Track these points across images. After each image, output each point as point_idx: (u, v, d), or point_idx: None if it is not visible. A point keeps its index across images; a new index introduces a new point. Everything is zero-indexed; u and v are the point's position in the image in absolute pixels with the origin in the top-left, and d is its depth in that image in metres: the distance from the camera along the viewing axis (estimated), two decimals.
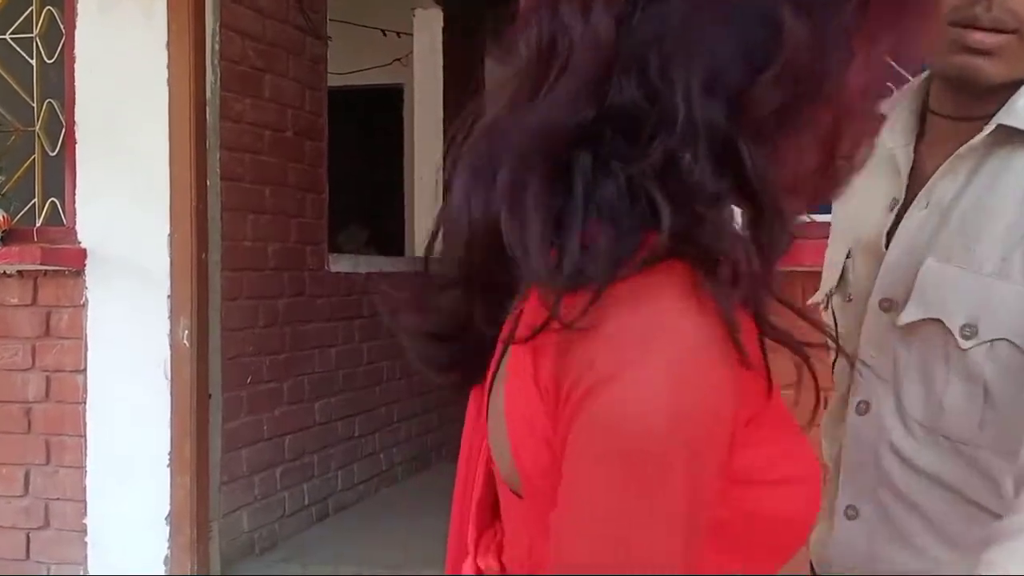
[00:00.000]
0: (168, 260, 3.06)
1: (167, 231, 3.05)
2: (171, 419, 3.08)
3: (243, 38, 3.38)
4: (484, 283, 0.70)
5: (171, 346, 3.07)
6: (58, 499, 3.20)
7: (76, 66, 3.15)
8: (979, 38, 0.98)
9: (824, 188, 0.71)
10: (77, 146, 3.15)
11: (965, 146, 1.03)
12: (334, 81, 4.29)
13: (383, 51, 6.13)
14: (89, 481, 3.17)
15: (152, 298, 3.08)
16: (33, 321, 3.20)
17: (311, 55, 3.88)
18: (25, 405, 3.21)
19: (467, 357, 0.75)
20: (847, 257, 1.13)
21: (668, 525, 0.63)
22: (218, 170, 3.23)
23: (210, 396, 3.21)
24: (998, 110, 1.00)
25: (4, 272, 3.20)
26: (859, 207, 1.11)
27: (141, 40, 3.06)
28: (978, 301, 0.99)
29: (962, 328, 1.00)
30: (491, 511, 0.77)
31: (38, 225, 3.24)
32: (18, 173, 3.28)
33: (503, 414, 0.69)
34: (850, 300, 1.11)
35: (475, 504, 0.77)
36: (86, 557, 3.17)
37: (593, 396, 0.62)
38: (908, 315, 1.03)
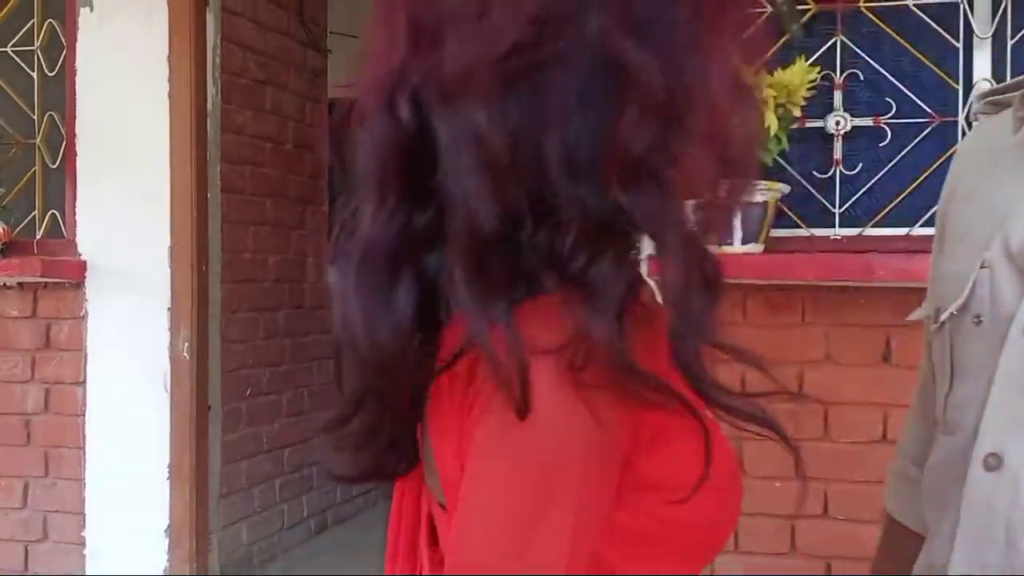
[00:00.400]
0: (168, 272, 3.05)
1: (167, 243, 3.05)
2: (171, 431, 3.07)
3: (244, 51, 3.39)
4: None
5: (171, 358, 3.07)
6: (57, 511, 3.20)
7: (77, 79, 3.15)
8: None
9: (721, 214, 0.73)
10: (78, 158, 3.15)
11: None
12: (335, 92, 4.29)
13: None
14: (88, 493, 3.16)
15: (152, 310, 3.07)
16: (33, 333, 3.20)
17: (311, 68, 3.89)
18: (24, 417, 3.21)
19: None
20: (982, 267, 0.89)
21: (559, 530, 0.67)
22: (219, 182, 3.23)
23: (209, 408, 3.21)
24: None
25: (4, 284, 3.20)
26: (1003, 207, 0.89)
27: (142, 53, 3.07)
28: None
29: None
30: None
31: (38, 237, 3.24)
32: (19, 185, 3.29)
33: (428, 430, 0.73)
34: (980, 323, 0.89)
35: (424, 519, 0.81)
36: (84, 569, 3.16)
37: (493, 402, 0.65)
38: None
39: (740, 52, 0.70)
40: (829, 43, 2.66)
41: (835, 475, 2.60)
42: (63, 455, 3.18)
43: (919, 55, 2.63)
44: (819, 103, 2.62)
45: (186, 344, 3.05)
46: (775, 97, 2.36)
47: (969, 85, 2.59)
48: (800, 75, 2.38)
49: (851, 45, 2.65)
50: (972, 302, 0.90)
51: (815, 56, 2.64)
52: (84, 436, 3.16)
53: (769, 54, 2.68)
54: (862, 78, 2.64)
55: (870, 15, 2.65)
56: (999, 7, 2.57)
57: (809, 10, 2.67)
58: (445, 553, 0.75)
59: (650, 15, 0.65)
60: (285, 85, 3.69)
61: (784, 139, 2.42)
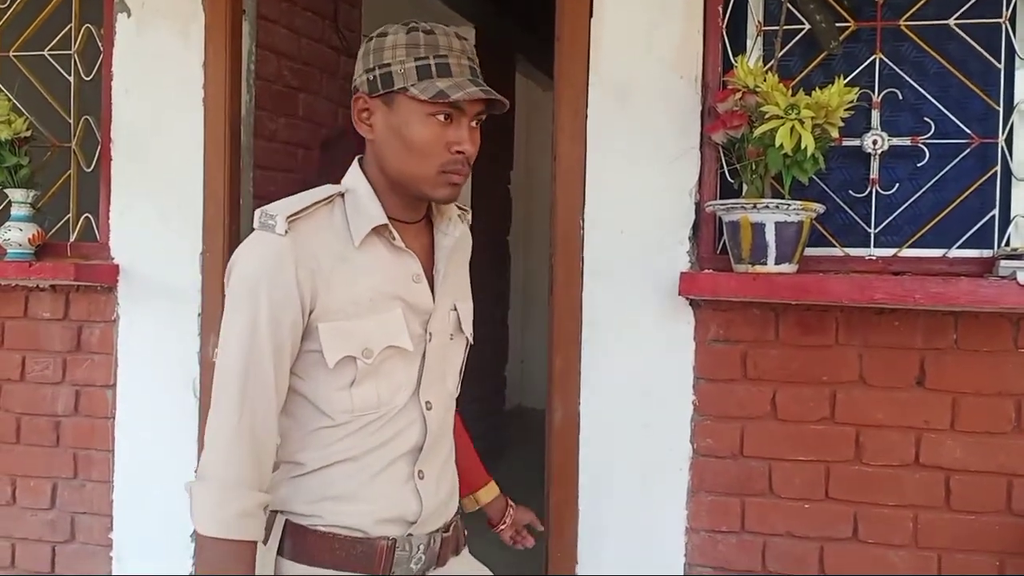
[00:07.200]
0: (200, 278, 3.06)
1: (200, 249, 3.06)
2: (199, 437, 3.08)
3: (278, 57, 3.39)
4: None
5: (201, 364, 3.08)
6: (85, 513, 3.22)
7: (113, 84, 3.16)
8: (458, 180, 1.58)
9: None
10: (112, 163, 3.16)
11: None
12: None
13: None
14: (116, 496, 3.18)
15: (183, 315, 3.08)
16: (64, 335, 3.22)
17: (345, 73, 3.89)
18: (54, 418, 3.23)
19: None
20: None
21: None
22: (251, 189, 3.24)
23: None
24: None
25: (37, 286, 3.22)
26: None
27: (178, 59, 3.08)
28: None
29: None
30: None
31: (72, 240, 3.26)
32: (53, 188, 3.31)
33: None
34: None
35: None
36: (111, 571, 3.18)
37: None
38: None
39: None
40: (867, 61, 2.63)
41: (866, 498, 2.58)
42: (92, 457, 3.20)
43: (959, 75, 2.60)
44: (856, 122, 2.59)
45: (216, 350, 3.05)
46: (812, 118, 2.33)
47: (1010, 106, 2.56)
48: (838, 96, 2.35)
49: (890, 64, 2.62)
50: None
51: (853, 74, 2.61)
52: (113, 439, 3.18)
53: (806, 72, 2.66)
54: (900, 97, 2.61)
55: (910, 34, 2.62)
56: None
57: (848, 28, 2.65)
58: None
59: None
60: (318, 91, 3.70)
61: (821, 159, 2.40)
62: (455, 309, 1.73)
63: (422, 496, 1.64)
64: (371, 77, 1.55)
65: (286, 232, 1.51)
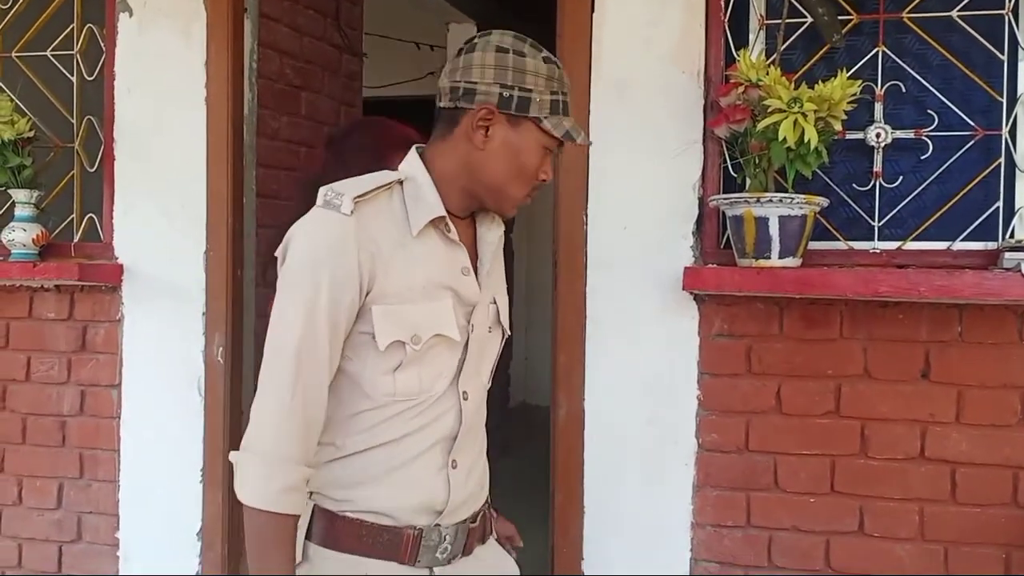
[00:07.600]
0: (204, 277, 3.07)
1: (203, 248, 3.06)
2: (204, 435, 3.09)
3: (281, 56, 3.39)
4: None
5: (205, 363, 3.08)
6: (91, 512, 3.22)
7: (115, 83, 3.17)
8: (528, 202, 1.68)
9: None
10: (115, 163, 3.16)
11: None
12: (369, 92, 4.29)
13: (418, 64, 6.17)
14: (122, 495, 3.19)
15: (187, 315, 3.09)
16: (69, 335, 3.22)
17: (347, 71, 3.89)
18: (60, 419, 3.24)
19: None
20: None
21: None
22: (254, 187, 3.24)
23: (243, 413, 3.21)
24: None
25: (42, 286, 3.23)
26: None
27: (180, 59, 3.08)
28: None
29: None
30: None
31: (76, 240, 3.26)
32: (57, 188, 3.31)
33: None
34: None
35: None
36: (118, 570, 3.19)
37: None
38: None
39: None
40: (870, 54, 2.63)
41: (871, 492, 2.57)
42: (98, 457, 3.21)
43: (962, 67, 2.59)
44: (859, 115, 2.59)
45: (220, 349, 3.06)
46: (816, 111, 2.33)
47: (1013, 98, 2.56)
48: (841, 89, 2.35)
49: (893, 56, 2.62)
50: None
51: (856, 67, 2.61)
52: (119, 438, 3.18)
53: (809, 66, 2.65)
54: (903, 90, 2.61)
55: (913, 26, 2.61)
56: None
57: (851, 21, 2.64)
58: None
59: None
60: (320, 89, 3.70)
61: (824, 153, 2.39)
62: (494, 302, 1.78)
63: (451, 485, 1.66)
64: (507, 94, 1.58)
65: (352, 212, 1.53)
